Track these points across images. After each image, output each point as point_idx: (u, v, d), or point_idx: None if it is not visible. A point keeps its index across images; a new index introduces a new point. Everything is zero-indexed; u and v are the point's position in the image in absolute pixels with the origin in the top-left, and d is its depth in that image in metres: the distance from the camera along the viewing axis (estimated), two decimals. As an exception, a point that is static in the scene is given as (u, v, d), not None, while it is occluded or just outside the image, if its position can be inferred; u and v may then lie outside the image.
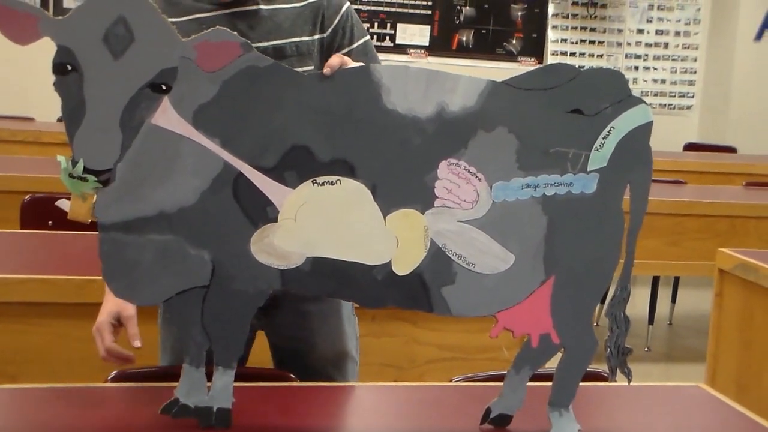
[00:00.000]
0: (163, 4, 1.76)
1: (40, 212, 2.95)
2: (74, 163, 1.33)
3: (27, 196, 3.04)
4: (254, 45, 1.70)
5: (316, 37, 1.83)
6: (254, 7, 1.80)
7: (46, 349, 2.24)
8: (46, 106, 5.42)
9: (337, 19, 1.85)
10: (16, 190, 3.25)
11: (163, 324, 1.98)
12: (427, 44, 6.94)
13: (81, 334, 2.22)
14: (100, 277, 2.07)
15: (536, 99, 1.46)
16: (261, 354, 1.97)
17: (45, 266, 2.40)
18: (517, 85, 1.46)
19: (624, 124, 1.47)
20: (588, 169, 1.47)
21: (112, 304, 1.80)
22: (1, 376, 2.16)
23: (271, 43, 1.78)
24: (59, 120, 5.28)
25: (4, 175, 3.54)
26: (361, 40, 1.88)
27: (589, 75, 1.48)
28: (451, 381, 1.90)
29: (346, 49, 1.85)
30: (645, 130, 1.49)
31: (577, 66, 1.49)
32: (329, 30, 1.84)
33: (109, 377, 1.79)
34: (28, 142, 4.69)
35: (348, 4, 1.90)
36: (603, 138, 1.47)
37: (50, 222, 2.90)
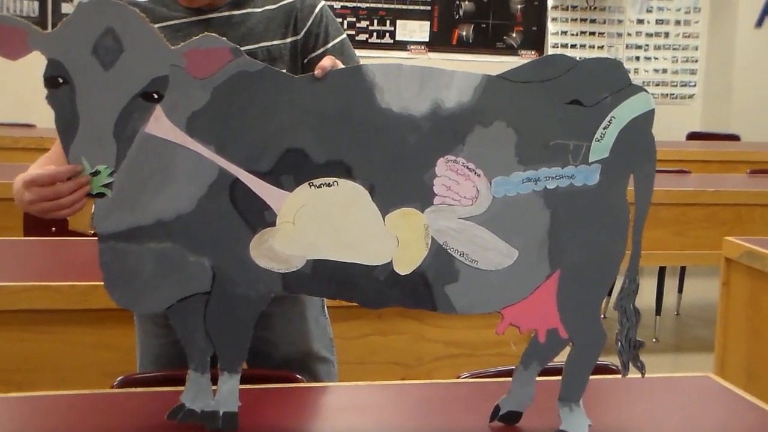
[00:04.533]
0: None
1: (43, 219, 2.93)
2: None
3: (29, 204, 3.03)
4: None
5: (289, 40, 1.82)
6: (226, 13, 1.81)
7: (51, 357, 2.24)
8: (47, 113, 5.42)
9: (310, 21, 1.84)
10: (19, 197, 3.23)
11: (144, 335, 1.98)
12: (427, 40, 6.93)
13: (86, 341, 2.24)
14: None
15: (533, 91, 1.44)
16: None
17: (49, 273, 2.39)
18: (514, 78, 1.44)
19: (625, 113, 1.45)
20: (590, 161, 1.45)
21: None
22: (7, 384, 2.17)
23: (242, 48, 1.77)
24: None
25: (6, 182, 3.52)
26: (337, 39, 1.87)
27: (586, 65, 1.46)
28: (459, 378, 1.89)
29: (321, 50, 1.84)
30: (647, 118, 1.47)
31: (575, 57, 1.48)
32: (303, 32, 1.84)
33: (115, 383, 1.78)
34: (30, 149, 4.68)
35: (322, 3, 1.88)
36: (603, 128, 1.45)
37: (53, 228, 2.89)
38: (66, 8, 6.26)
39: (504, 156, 1.44)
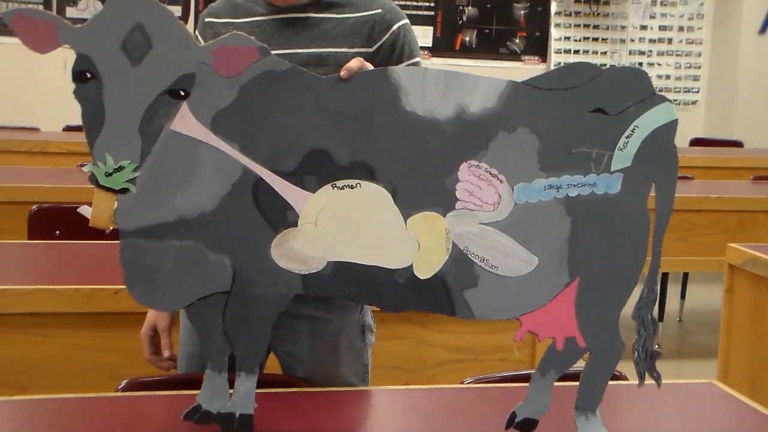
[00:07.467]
0: (227, 5, 1.83)
1: (48, 222, 2.94)
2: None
3: (34, 207, 3.03)
4: (295, 51, 1.72)
5: (361, 50, 1.78)
6: (304, 15, 1.80)
7: (56, 360, 2.23)
8: (51, 116, 5.43)
9: (386, 36, 1.81)
10: (23, 200, 3.25)
11: (183, 333, 1.96)
12: (431, 45, 6.92)
13: (91, 344, 2.23)
14: (109, 287, 2.06)
15: (557, 99, 1.44)
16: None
17: (53, 276, 2.39)
18: (538, 84, 1.44)
19: (648, 122, 1.45)
20: (612, 169, 1.45)
21: (151, 314, 1.90)
22: (12, 387, 2.16)
23: (311, 50, 1.76)
24: (64, 129, 5.30)
25: (11, 185, 3.52)
26: (410, 61, 1.84)
27: (611, 74, 1.46)
28: (462, 383, 1.89)
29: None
30: (669, 128, 1.47)
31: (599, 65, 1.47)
32: (375, 46, 1.80)
33: (120, 387, 1.77)
34: (34, 153, 4.68)
35: (403, 22, 1.83)
36: (626, 137, 1.45)
37: (57, 232, 2.89)
38: (70, 12, 6.23)
39: (527, 162, 1.43)
